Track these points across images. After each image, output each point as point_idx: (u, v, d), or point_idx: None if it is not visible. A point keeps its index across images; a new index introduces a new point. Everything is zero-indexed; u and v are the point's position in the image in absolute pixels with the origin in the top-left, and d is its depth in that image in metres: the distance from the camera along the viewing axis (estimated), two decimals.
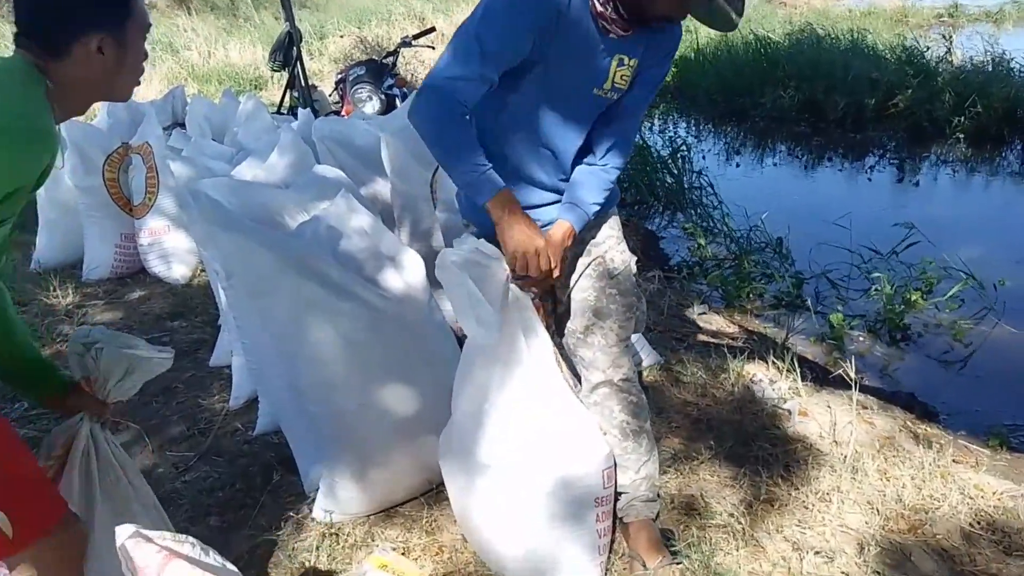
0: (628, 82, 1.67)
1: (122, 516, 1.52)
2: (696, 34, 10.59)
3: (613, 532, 1.90)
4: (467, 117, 1.58)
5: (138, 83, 1.42)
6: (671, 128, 8.43)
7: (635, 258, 1.88)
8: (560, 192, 1.78)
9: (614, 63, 1.62)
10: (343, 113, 6.46)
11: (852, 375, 2.53)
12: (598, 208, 1.76)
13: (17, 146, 1.17)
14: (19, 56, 1.26)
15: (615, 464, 1.82)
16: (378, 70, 6.72)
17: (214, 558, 1.26)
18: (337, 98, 7.05)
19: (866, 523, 2.00)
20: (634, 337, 2.77)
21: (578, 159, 1.78)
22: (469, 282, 1.58)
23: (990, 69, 7.56)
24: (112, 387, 1.55)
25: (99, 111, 4.99)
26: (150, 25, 1.40)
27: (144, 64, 1.38)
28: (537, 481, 1.73)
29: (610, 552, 1.88)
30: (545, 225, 1.74)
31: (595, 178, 1.75)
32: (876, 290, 3.78)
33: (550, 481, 1.73)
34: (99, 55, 1.28)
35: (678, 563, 1.85)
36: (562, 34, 1.54)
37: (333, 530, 2.05)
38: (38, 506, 1.29)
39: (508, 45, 1.54)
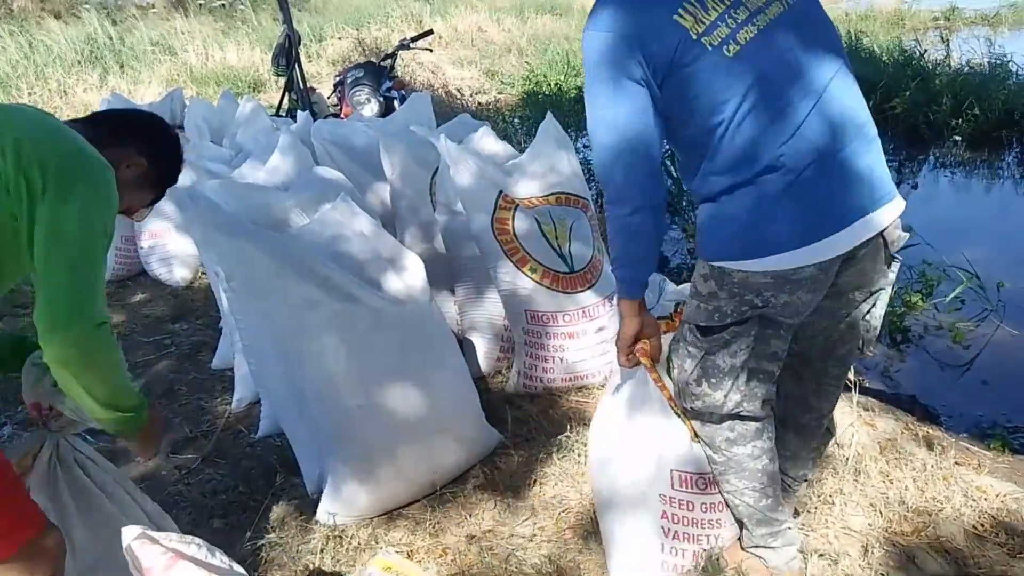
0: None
1: (103, 533, 1.50)
2: None
3: (692, 542, 1.83)
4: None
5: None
6: None
7: None
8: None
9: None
10: (341, 115, 6.46)
11: (853, 377, 2.52)
12: None
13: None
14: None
15: (695, 472, 1.80)
16: (376, 72, 6.72)
17: (220, 559, 1.26)
18: (335, 100, 7.05)
19: (869, 525, 2.00)
20: None
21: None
22: None
23: (987, 72, 7.56)
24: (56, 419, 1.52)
25: None
26: (151, 209, 1.68)
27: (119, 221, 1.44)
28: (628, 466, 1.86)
29: (680, 556, 1.83)
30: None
31: None
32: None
33: (632, 468, 1.84)
34: (123, 167, 1.43)
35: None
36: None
37: (337, 532, 2.05)
38: (17, 517, 1.29)
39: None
